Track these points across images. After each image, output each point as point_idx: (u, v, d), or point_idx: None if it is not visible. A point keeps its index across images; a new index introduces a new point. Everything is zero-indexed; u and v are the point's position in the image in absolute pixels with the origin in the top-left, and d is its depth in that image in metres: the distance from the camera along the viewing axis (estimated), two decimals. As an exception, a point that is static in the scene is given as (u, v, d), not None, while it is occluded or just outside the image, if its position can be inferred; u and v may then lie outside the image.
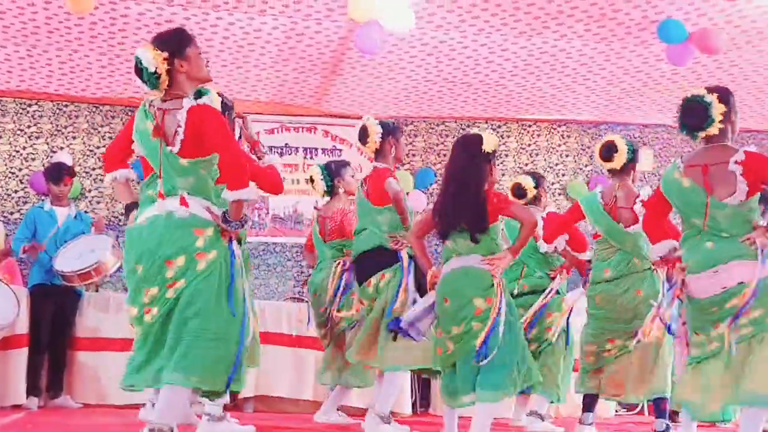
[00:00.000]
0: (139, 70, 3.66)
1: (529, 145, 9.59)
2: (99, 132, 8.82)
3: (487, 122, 9.41)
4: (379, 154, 5.49)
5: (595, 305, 5.56)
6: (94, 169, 8.77)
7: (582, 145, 9.66)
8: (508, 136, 9.51)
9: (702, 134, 4.16)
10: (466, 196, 4.49)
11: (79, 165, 8.66)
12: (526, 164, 9.47)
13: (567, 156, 9.64)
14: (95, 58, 7.49)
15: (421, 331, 4.61)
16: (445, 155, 9.34)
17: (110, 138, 8.59)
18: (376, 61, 7.50)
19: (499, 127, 9.49)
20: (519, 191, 6.27)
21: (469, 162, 4.54)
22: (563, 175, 9.53)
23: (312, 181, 6.33)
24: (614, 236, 5.50)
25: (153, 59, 3.62)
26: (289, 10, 6.46)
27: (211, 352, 3.58)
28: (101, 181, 8.75)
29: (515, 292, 5.91)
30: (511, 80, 8.05)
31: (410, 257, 5.25)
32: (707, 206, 4.05)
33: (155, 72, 3.63)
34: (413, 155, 9.33)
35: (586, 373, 5.60)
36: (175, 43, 3.71)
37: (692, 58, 6.79)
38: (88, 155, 8.78)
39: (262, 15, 6.53)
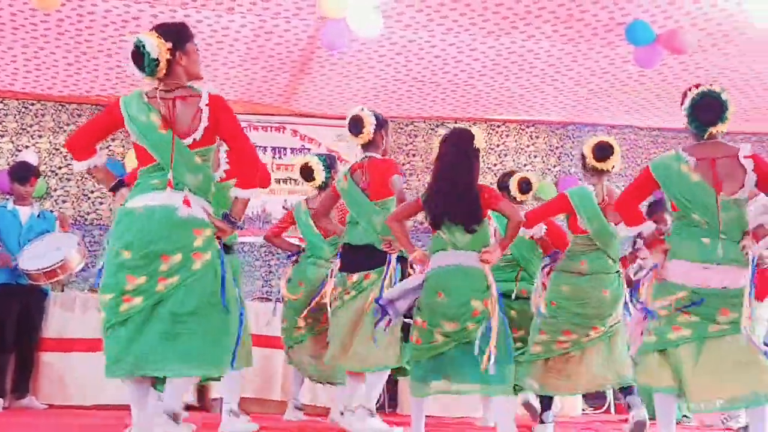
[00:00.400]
0: (139, 55, 3.70)
1: (498, 145, 9.63)
2: (65, 131, 8.73)
3: (455, 122, 9.41)
4: (370, 145, 5.33)
5: (562, 294, 5.47)
6: (60, 168, 8.68)
7: (550, 145, 9.71)
8: (477, 136, 9.53)
9: (713, 130, 4.24)
10: (461, 192, 4.54)
11: (45, 164, 8.58)
12: (495, 165, 9.51)
13: (535, 157, 9.69)
14: (61, 55, 7.42)
15: (398, 311, 4.62)
16: (414, 155, 9.37)
17: (77, 136, 8.52)
18: (345, 60, 7.50)
19: (468, 127, 9.49)
20: (527, 186, 6.22)
21: (463, 157, 4.62)
22: (532, 175, 9.57)
23: (310, 171, 6.13)
24: (602, 236, 5.46)
25: (157, 46, 3.69)
26: (257, 8, 6.44)
27: (211, 347, 3.70)
28: (68, 180, 8.68)
29: (513, 295, 5.97)
30: (480, 80, 8.08)
31: (398, 260, 5.16)
32: (718, 206, 4.13)
33: (156, 59, 3.68)
34: (382, 155, 9.32)
35: (532, 367, 5.52)
36: (178, 35, 3.79)
37: (660, 60, 6.85)
38: (54, 154, 8.69)
39: (231, 13, 6.51)
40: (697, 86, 4.32)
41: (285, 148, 9.07)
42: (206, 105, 3.70)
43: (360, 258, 5.21)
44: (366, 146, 5.36)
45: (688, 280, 4.14)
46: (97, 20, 6.64)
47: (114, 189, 3.97)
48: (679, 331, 4.15)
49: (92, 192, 8.69)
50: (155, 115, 3.72)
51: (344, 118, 9.01)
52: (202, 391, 7.00)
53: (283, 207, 8.84)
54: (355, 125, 5.34)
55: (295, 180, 8.99)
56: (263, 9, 6.46)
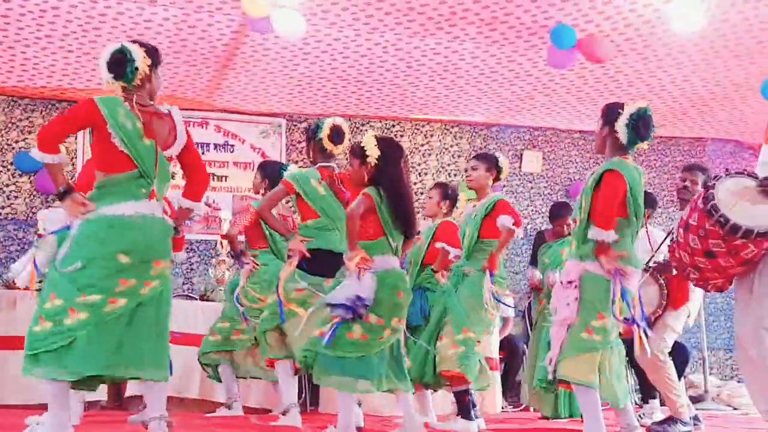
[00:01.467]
0: (123, 60, 3.86)
1: (423, 145, 9.69)
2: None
3: (381, 121, 9.46)
4: (333, 157, 5.45)
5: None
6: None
7: (474, 146, 9.80)
8: (402, 136, 9.57)
9: (643, 147, 4.48)
10: (411, 202, 4.67)
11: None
12: (419, 164, 9.56)
13: (459, 157, 9.77)
14: (-25, 44, 7.19)
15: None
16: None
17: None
18: (270, 57, 7.44)
19: (393, 126, 9.55)
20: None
21: (406, 168, 4.72)
22: (455, 175, 9.65)
23: None
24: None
25: (143, 59, 3.90)
26: (180, 1, 6.34)
27: (165, 348, 4.08)
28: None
29: None
30: (405, 80, 8.11)
31: None
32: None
33: (138, 68, 3.88)
34: (307, 152, 9.25)
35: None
36: (156, 57, 4.03)
37: (573, 63, 6.95)
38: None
39: (153, 5, 6.39)
40: (625, 102, 4.56)
41: (208, 144, 8.93)
42: (181, 122, 4.01)
43: (332, 261, 5.12)
44: (331, 156, 5.45)
45: (635, 284, 4.36)
46: (14, 9, 6.45)
47: (64, 195, 3.89)
48: (613, 332, 4.36)
49: (7, 186, 8.44)
50: (139, 123, 3.89)
51: (268, 115, 9.10)
52: (117, 390, 6.89)
53: (206, 203, 8.71)
54: (338, 135, 5.40)
55: (220, 176, 8.91)
56: (186, 2, 6.36)
